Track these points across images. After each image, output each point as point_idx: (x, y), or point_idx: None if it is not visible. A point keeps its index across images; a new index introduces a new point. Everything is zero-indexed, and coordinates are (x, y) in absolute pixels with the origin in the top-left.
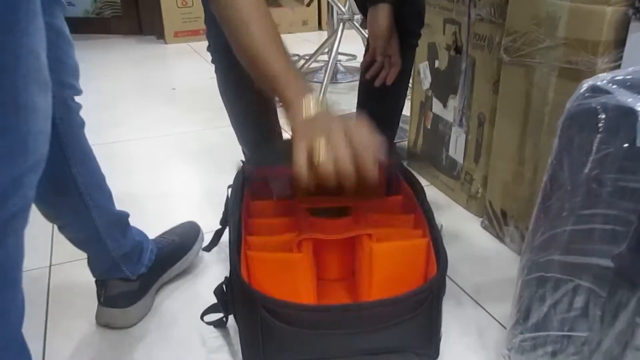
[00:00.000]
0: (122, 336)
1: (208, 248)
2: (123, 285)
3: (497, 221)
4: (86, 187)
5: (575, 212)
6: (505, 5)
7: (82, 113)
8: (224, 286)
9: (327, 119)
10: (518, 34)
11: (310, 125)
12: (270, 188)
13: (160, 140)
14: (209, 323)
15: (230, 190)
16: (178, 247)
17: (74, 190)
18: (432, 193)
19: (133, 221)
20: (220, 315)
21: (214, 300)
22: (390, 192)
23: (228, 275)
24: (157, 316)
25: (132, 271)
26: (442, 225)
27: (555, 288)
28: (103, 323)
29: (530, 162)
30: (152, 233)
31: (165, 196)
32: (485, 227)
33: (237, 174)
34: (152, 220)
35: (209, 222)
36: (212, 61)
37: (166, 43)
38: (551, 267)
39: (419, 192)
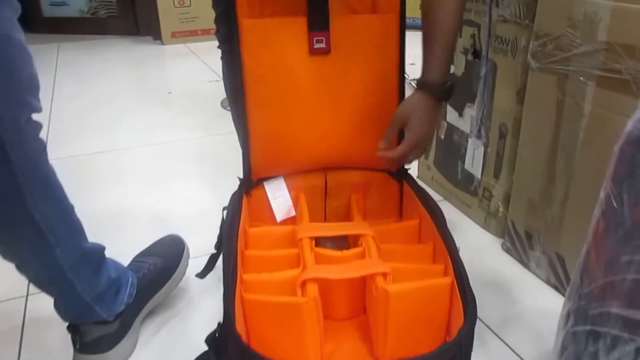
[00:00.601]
0: None
1: (202, 275)
2: (99, 329)
3: (520, 244)
4: (46, 222)
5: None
6: (533, 5)
7: (72, 116)
8: (217, 334)
9: None
10: (549, 38)
11: None
12: (270, 208)
13: (154, 148)
14: None
15: (225, 212)
16: (161, 271)
17: (30, 225)
18: (446, 209)
19: (120, 240)
20: None
21: (206, 339)
22: (404, 215)
23: (221, 321)
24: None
25: (108, 312)
26: (459, 248)
27: (611, 347)
28: None
29: (562, 181)
30: None
31: (156, 212)
32: (506, 250)
33: (233, 195)
34: (140, 240)
35: (204, 243)
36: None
37: (163, 44)
38: (607, 321)
39: (437, 215)
